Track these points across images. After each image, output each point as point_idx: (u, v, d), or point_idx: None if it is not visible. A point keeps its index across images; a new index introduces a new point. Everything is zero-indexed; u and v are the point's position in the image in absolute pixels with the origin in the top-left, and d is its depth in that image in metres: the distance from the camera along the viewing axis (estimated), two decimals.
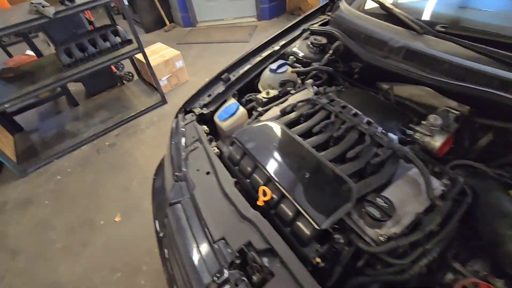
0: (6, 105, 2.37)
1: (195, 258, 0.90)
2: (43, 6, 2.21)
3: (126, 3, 2.58)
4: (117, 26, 2.86)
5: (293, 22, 1.69)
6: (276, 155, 1.01)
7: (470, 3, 1.32)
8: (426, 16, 1.33)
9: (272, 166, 0.98)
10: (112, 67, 3.74)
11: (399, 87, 1.31)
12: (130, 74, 3.93)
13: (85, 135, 3.02)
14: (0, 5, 3.12)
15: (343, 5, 1.58)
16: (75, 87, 3.99)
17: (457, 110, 1.02)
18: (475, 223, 0.81)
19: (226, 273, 0.81)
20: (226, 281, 0.80)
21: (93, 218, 2.25)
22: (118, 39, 2.83)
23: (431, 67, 1.10)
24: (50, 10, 2.19)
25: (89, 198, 2.41)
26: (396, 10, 1.30)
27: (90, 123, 3.19)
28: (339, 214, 0.82)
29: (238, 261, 0.83)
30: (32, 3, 2.26)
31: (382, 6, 1.31)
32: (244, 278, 0.79)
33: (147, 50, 3.53)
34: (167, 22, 5.35)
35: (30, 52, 3.89)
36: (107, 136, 3.06)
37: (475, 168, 0.91)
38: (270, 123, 1.13)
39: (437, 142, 0.98)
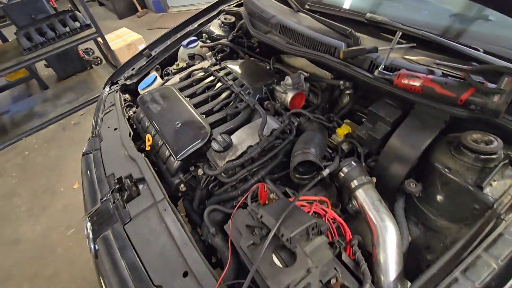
0: None
1: (92, 189, 1.17)
2: None
3: None
4: (75, 11, 3.04)
5: (213, 3, 1.90)
6: (163, 111, 1.26)
7: None
8: None
9: (158, 120, 1.24)
10: (80, 52, 3.91)
11: (293, 58, 1.55)
12: (99, 59, 4.11)
13: (52, 115, 3.24)
14: None
15: None
16: (47, 72, 4.18)
17: (307, 73, 1.28)
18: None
19: (107, 196, 1.08)
20: (106, 201, 1.07)
21: (54, 186, 2.51)
22: (77, 24, 3.01)
23: (295, 39, 1.34)
24: None
25: (52, 170, 2.67)
26: None
27: (57, 104, 3.41)
28: (192, 149, 1.08)
29: (117, 186, 1.08)
30: None
31: None
32: (118, 198, 1.05)
33: (111, 35, 3.72)
34: (139, 8, 5.47)
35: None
36: (73, 115, 3.29)
37: (303, 114, 1.16)
38: (166, 88, 1.38)
39: (288, 97, 1.23)
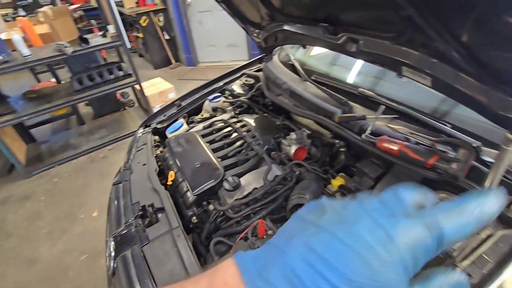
0: (24, 118, 3.02)
1: (118, 215, 1.36)
2: (65, 47, 2.94)
3: (128, 46, 3.31)
4: (121, 63, 3.60)
5: (238, 67, 2.28)
6: (186, 153, 1.51)
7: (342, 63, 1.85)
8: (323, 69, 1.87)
9: (181, 159, 1.48)
10: (118, 94, 4.46)
11: (301, 117, 1.81)
12: (132, 102, 4.64)
13: (84, 147, 3.61)
14: (36, 43, 3.95)
15: (274, 57, 2.17)
16: (85, 110, 4.72)
17: (309, 131, 1.51)
18: None
19: (130, 221, 1.27)
20: (129, 225, 1.26)
21: (76, 212, 2.72)
22: (121, 73, 3.54)
23: (301, 102, 1.62)
24: (69, 50, 2.91)
25: (76, 197, 2.91)
26: (296, 63, 1.86)
27: (90, 139, 3.81)
28: (206, 187, 1.28)
29: (140, 213, 1.28)
30: (57, 44, 3.01)
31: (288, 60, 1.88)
32: (140, 223, 1.24)
33: (147, 83, 4.27)
34: (173, 61, 6.25)
35: (54, 80, 4.70)
36: (102, 150, 3.64)
37: (303, 165, 1.37)
38: (190, 133, 1.65)
39: (292, 150, 1.45)
